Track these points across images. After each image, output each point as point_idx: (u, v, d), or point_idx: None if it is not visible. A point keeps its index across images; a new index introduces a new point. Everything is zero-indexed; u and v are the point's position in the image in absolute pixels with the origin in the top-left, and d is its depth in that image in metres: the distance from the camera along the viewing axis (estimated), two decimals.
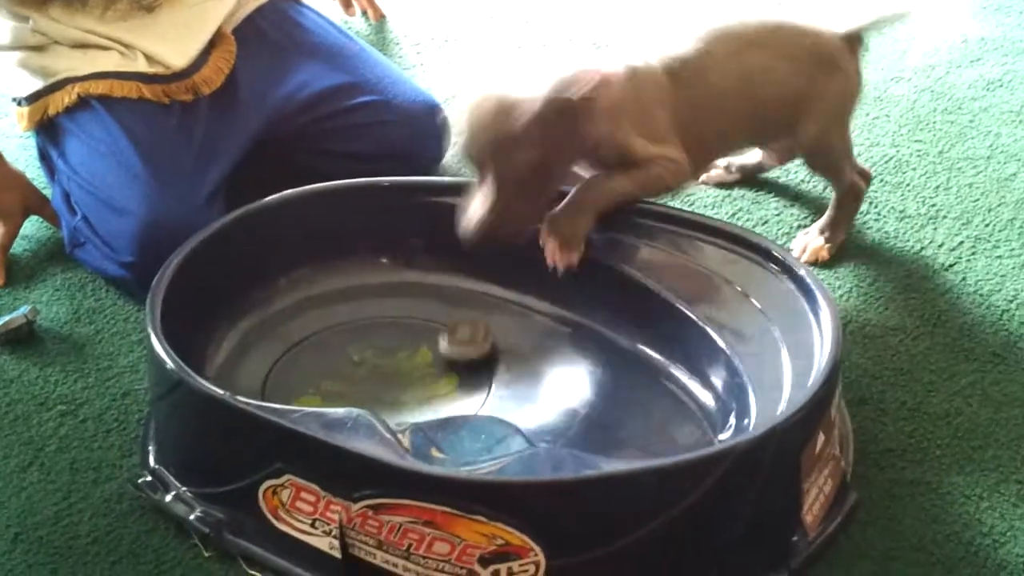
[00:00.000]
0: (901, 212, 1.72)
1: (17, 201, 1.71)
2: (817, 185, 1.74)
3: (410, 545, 1.19)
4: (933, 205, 1.73)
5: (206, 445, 1.32)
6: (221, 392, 1.28)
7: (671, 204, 1.66)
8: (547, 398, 1.43)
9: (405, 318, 1.53)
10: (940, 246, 1.66)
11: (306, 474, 1.22)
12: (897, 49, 2.06)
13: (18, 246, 1.73)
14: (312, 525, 1.23)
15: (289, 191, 1.56)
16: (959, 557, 1.28)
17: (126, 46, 1.67)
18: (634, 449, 1.35)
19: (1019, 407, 1.44)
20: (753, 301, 1.40)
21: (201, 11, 1.70)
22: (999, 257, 1.64)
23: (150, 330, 1.34)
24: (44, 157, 1.74)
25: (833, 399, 1.29)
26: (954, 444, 1.39)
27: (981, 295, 1.59)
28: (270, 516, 1.26)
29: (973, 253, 1.65)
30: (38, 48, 1.68)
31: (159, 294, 1.38)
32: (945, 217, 1.71)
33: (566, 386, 1.45)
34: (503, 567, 1.18)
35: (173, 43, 1.68)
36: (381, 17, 2.18)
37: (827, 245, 1.63)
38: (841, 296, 1.58)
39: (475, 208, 1.36)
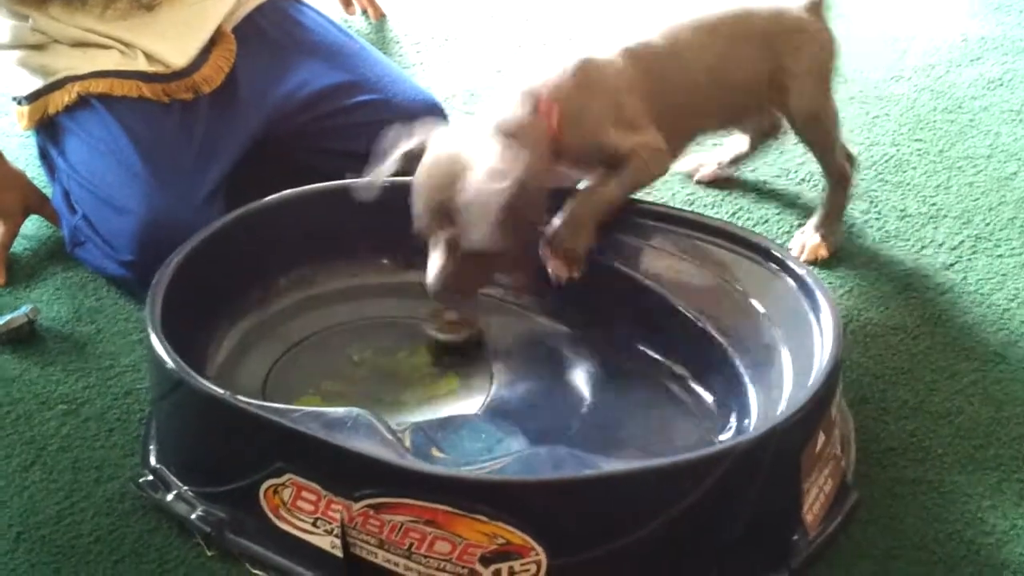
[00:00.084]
0: (902, 211, 1.72)
1: (17, 200, 1.71)
2: (817, 185, 1.74)
3: (411, 544, 1.19)
4: (934, 204, 1.73)
5: (207, 444, 1.32)
6: (222, 392, 1.28)
7: (671, 204, 1.66)
8: (547, 398, 1.42)
9: (405, 318, 1.53)
10: (941, 245, 1.66)
11: (307, 473, 1.22)
12: (897, 48, 2.06)
13: (18, 245, 1.73)
14: (313, 524, 1.23)
15: (289, 191, 1.56)
16: (961, 556, 1.28)
17: (126, 45, 1.67)
18: (634, 449, 1.35)
19: (1021, 406, 1.44)
20: (753, 301, 1.40)
21: (201, 10, 1.70)
22: (1000, 256, 1.64)
23: (150, 330, 1.34)
24: (44, 156, 1.74)
25: (833, 399, 1.29)
26: (956, 443, 1.39)
27: (982, 294, 1.59)
28: (271, 515, 1.26)
29: (974, 252, 1.65)
30: (38, 47, 1.68)
31: (159, 293, 1.38)
32: (946, 216, 1.71)
33: (566, 386, 1.44)
34: (504, 566, 1.18)
35: (173, 42, 1.68)
36: (381, 16, 2.18)
37: (824, 242, 1.63)
38: (842, 295, 1.58)
39: (432, 267, 1.37)
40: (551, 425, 1.37)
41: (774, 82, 1.54)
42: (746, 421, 1.32)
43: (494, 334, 1.50)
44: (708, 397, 1.39)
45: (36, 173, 1.79)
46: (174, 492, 1.33)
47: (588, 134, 1.41)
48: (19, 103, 1.70)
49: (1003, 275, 1.61)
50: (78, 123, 1.66)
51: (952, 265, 1.63)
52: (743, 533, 1.21)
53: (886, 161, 1.81)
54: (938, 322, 1.55)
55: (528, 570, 1.18)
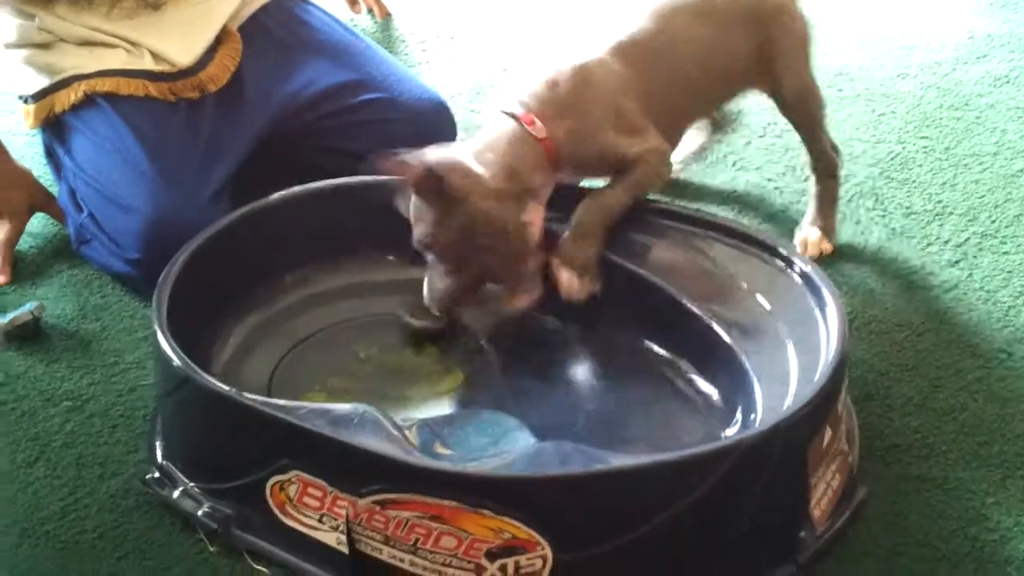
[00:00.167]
0: (907, 208, 1.72)
1: (23, 198, 1.72)
2: None
3: (417, 540, 1.19)
4: (939, 201, 1.73)
5: (213, 441, 1.33)
6: (228, 389, 1.28)
7: (677, 201, 1.66)
8: (553, 394, 1.42)
9: None
10: (946, 242, 1.66)
11: (313, 470, 1.22)
12: (903, 46, 2.06)
13: (24, 243, 1.73)
14: (319, 520, 1.23)
15: (295, 188, 1.56)
16: (965, 553, 1.28)
17: (132, 44, 1.67)
18: (640, 444, 1.35)
19: None
20: (759, 297, 1.40)
21: (207, 9, 1.70)
22: (1005, 253, 1.64)
23: (157, 327, 1.34)
24: (50, 154, 1.74)
25: (840, 394, 1.29)
26: (960, 440, 1.39)
27: (987, 291, 1.59)
28: (277, 512, 1.26)
29: (979, 249, 1.65)
30: (44, 46, 1.68)
31: (165, 291, 1.38)
32: (951, 213, 1.71)
33: (572, 382, 1.45)
34: (510, 561, 1.18)
35: (179, 41, 1.68)
36: (387, 15, 2.19)
37: (826, 237, 1.63)
38: (847, 292, 1.58)
39: (431, 284, 1.39)
40: (557, 420, 1.37)
41: (763, 60, 1.54)
42: (752, 416, 1.32)
43: (498, 328, 1.50)
44: (714, 393, 1.39)
45: (42, 171, 1.79)
46: (180, 488, 1.33)
47: (590, 143, 1.42)
48: (25, 102, 1.70)
49: (1009, 272, 1.61)
50: (84, 122, 1.67)
51: (958, 262, 1.63)
52: (749, 528, 1.21)
53: (892, 158, 1.81)
54: (943, 319, 1.55)
55: (534, 565, 1.18)
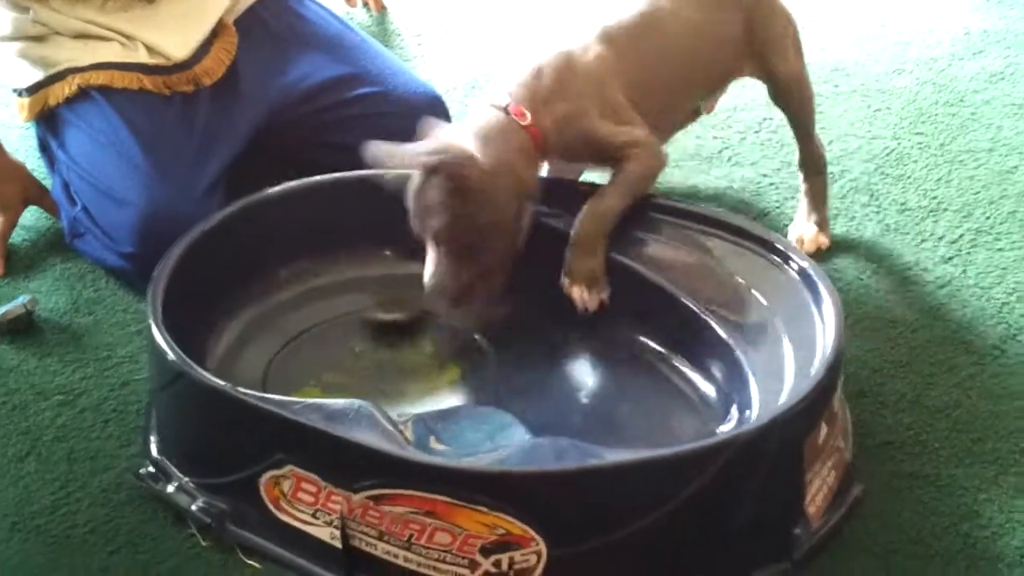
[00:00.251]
0: (902, 205, 1.72)
1: (17, 191, 1.71)
2: None
3: (411, 536, 1.19)
4: (934, 198, 1.73)
5: (208, 436, 1.32)
6: (222, 384, 1.28)
7: (673, 196, 1.66)
8: (548, 389, 1.43)
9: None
10: (941, 239, 1.66)
11: (307, 465, 1.22)
12: (899, 41, 2.06)
13: (17, 236, 1.73)
14: (313, 516, 1.23)
15: (291, 183, 1.56)
16: (957, 550, 1.28)
17: (127, 37, 1.67)
18: (635, 440, 1.35)
19: (1018, 400, 1.44)
20: (755, 292, 1.40)
21: (202, 2, 1.70)
22: (1000, 250, 1.64)
23: (152, 322, 1.34)
24: (44, 148, 1.74)
25: (835, 390, 1.29)
26: (953, 437, 1.39)
27: (981, 288, 1.59)
28: (271, 507, 1.26)
29: (974, 246, 1.65)
30: (39, 39, 1.68)
31: (160, 285, 1.38)
32: (946, 210, 1.71)
33: (567, 377, 1.45)
34: (504, 557, 1.18)
35: (174, 34, 1.68)
36: (382, 8, 2.18)
37: (822, 231, 1.63)
38: (841, 288, 1.58)
39: (425, 271, 1.38)
40: (552, 416, 1.37)
41: (753, 45, 1.55)
42: (747, 412, 1.32)
43: (494, 324, 1.50)
44: (710, 388, 1.39)
45: (36, 165, 1.79)
46: (175, 483, 1.33)
47: (575, 129, 1.41)
48: (19, 95, 1.70)
49: (1003, 269, 1.61)
50: (78, 115, 1.66)
51: (952, 259, 1.63)
52: (745, 524, 1.21)
53: (887, 154, 1.81)
54: (937, 315, 1.55)
55: (528, 561, 1.18)
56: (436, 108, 1.75)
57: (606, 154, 1.44)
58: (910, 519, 1.31)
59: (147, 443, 1.39)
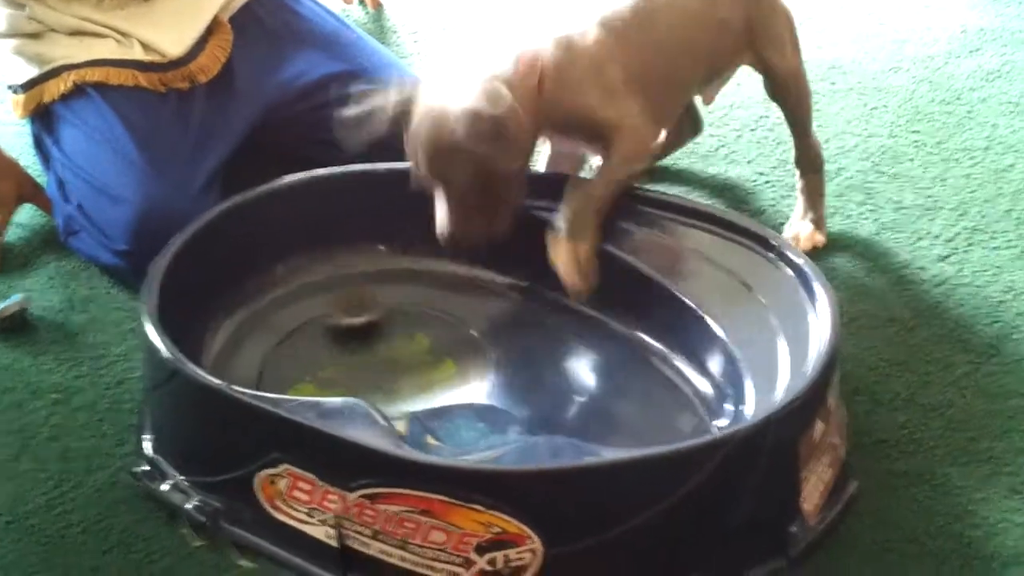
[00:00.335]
0: (898, 203, 1.72)
1: (11, 189, 1.71)
2: None
3: (407, 535, 1.19)
4: (930, 196, 1.73)
5: (203, 434, 1.32)
6: (218, 382, 1.28)
7: (670, 192, 1.66)
8: (544, 386, 1.43)
9: (402, 305, 1.52)
10: (937, 237, 1.66)
11: (303, 463, 1.22)
12: (896, 39, 2.06)
13: (12, 234, 1.72)
14: (309, 514, 1.23)
15: (285, 178, 1.55)
16: (951, 549, 1.28)
17: (122, 34, 1.66)
18: (631, 437, 1.35)
19: (1013, 399, 1.44)
20: (751, 289, 1.40)
21: None
22: (995, 248, 1.64)
23: (146, 319, 1.33)
24: (39, 145, 1.73)
25: (831, 387, 1.29)
26: (947, 436, 1.39)
27: (977, 286, 1.59)
28: (267, 505, 1.25)
29: (969, 244, 1.65)
30: (34, 35, 1.67)
31: (155, 282, 1.38)
32: (942, 208, 1.71)
33: (563, 373, 1.45)
34: (500, 555, 1.17)
35: (169, 31, 1.67)
36: (378, 5, 2.18)
37: (818, 229, 1.63)
38: (836, 286, 1.57)
39: (439, 217, 1.39)
40: (548, 413, 1.37)
41: (753, 39, 1.55)
42: (743, 408, 1.32)
43: (490, 321, 1.50)
44: (706, 385, 1.39)
45: (31, 162, 1.78)
46: (170, 482, 1.32)
47: (571, 96, 1.41)
48: (14, 91, 1.69)
49: (998, 267, 1.61)
50: (74, 112, 1.66)
51: (947, 257, 1.63)
52: (741, 522, 1.21)
53: (883, 152, 1.81)
54: (932, 314, 1.55)
55: (523, 559, 1.17)
56: None
57: (596, 130, 1.44)
58: (905, 518, 1.31)
59: (141, 442, 1.39)
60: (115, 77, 1.65)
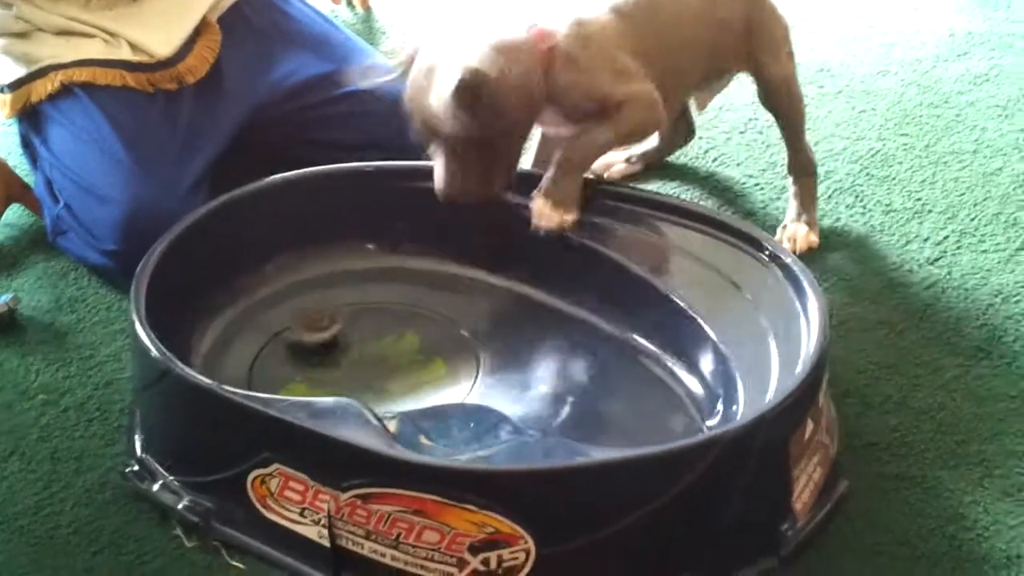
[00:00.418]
0: (887, 206, 1.73)
1: None
2: None
3: (399, 534, 1.19)
4: (919, 199, 1.74)
5: (193, 435, 1.31)
6: (208, 382, 1.27)
7: (661, 192, 1.66)
8: (535, 385, 1.42)
9: (391, 304, 1.53)
10: (925, 240, 1.67)
11: (294, 463, 1.21)
12: (884, 42, 2.06)
13: (0, 234, 1.71)
14: (301, 514, 1.23)
15: (273, 177, 1.55)
16: (943, 552, 1.28)
17: (110, 34, 1.66)
18: (623, 437, 1.35)
19: (1003, 402, 1.44)
20: (741, 289, 1.40)
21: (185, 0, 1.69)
22: (984, 251, 1.65)
23: (135, 319, 1.33)
24: (27, 145, 1.72)
25: (821, 386, 1.29)
26: (938, 438, 1.39)
27: (966, 289, 1.59)
28: (259, 505, 1.25)
29: (958, 247, 1.65)
30: (21, 35, 1.67)
31: (143, 282, 1.37)
32: (931, 211, 1.71)
33: (554, 373, 1.45)
34: (493, 555, 1.17)
35: (158, 32, 1.67)
36: (367, 7, 2.18)
37: (812, 230, 1.64)
38: (826, 289, 1.58)
39: (436, 171, 1.40)
40: (539, 413, 1.37)
41: (751, 42, 1.56)
42: (734, 408, 1.32)
43: (480, 320, 1.50)
44: (696, 385, 1.39)
45: (18, 162, 1.78)
46: (160, 482, 1.32)
47: (587, 79, 1.41)
48: (1, 91, 1.69)
49: (987, 271, 1.62)
50: (61, 112, 1.65)
51: (936, 260, 1.64)
52: (732, 521, 1.21)
53: (872, 156, 1.82)
54: (922, 317, 1.55)
55: (516, 559, 1.17)
56: None
57: (608, 109, 1.43)
58: (896, 520, 1.31)
59: (131, 442, 1.38)
60: (103, 77, 1.64)
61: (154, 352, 1.29)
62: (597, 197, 1.47)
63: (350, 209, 1.53)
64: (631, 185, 1.50)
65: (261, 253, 1.54)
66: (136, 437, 1.38)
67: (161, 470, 1.33)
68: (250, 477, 1.24)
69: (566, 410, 1.39)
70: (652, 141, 1.75)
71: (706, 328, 1.38)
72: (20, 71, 1.66)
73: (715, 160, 1.82)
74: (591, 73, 1.42)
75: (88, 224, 1.61)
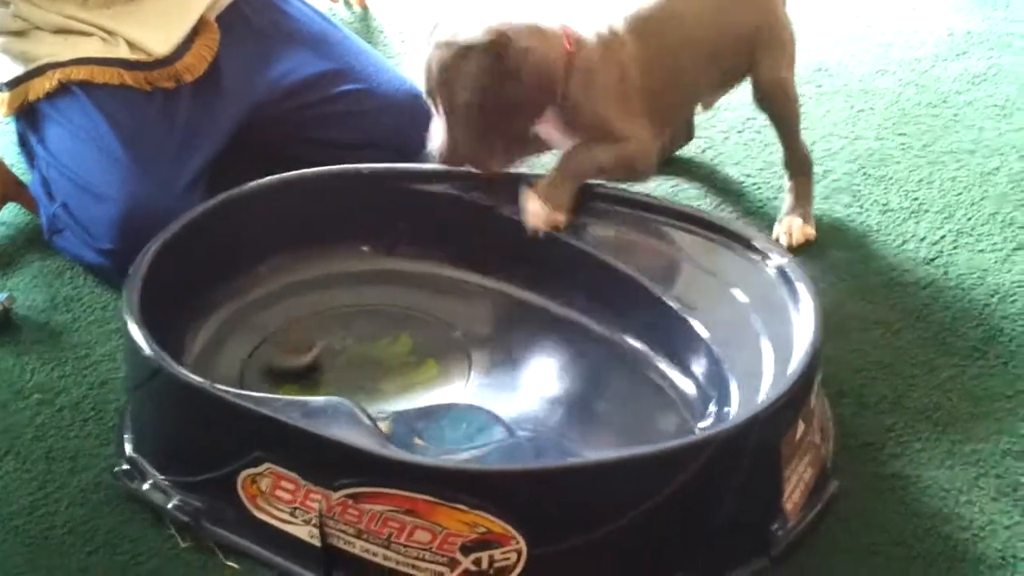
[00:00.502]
0: (884, 205, 1.72)
1: None
2: None
3: (391, 534, 1.19)
4: (916, 199, 1.73)
5: (185, 433, 1.31)
6: (200, 380, 1.27)
7: (656, 194, 1.66)
8: (527, 386, 1.42)
9: (385, 306, 1.53)
10: (923, 240, 1.67)
11: (286, 462, 1.21)
12: (882, 42, 2.06)
13: None
14: (292, 514, 1.23)
15: (270, 177, 1.55)
16: (938, 552, 1.28)
17: (108, 32, 1.66)
18: (615, 437, 1.35)
19: (999, 401, 1.44)
20: (734, 290, 1.40)
21: None
22: (981, 251, 1.64)
23: (128, 318, 1.33)
24: (24, 143, 1.73)
25: (813, 387, 1.29)
26: (934, 438, 1.39)
27: (963, 289, 1.59)
28: (249, 505, 1.25)
29: (955, 247, 1.65)
30: (19, 33, 1.67)
31: (137, 281, 1.37)
32: (928, 211, 1.71)
33: (546, 374, 1.44)
34: (484, 555, 1.17)
35: (156, 30, 1.67)
36: (365, 6, 2.18)
37: (808, 223, 1.64)
38: (823, 289, 1.57)
39: (439, 133, 1.43)
40: (532, 414, 1.37)
41: (756, 49, 1.57)
42: (726, 409, 1.32)
43: (473, 322, 1.49)
44: (689, 385, 1.39)
45: (15, 160, 1.78)
46: (150, 481, 1.32)
47: (592, 104, 1.44)
48: None
49: (984, 270, 1.61)
50: (58, 110, 1.65)
51: (933, 260, 1.63)
52: (724, 521, 1.21)
53: (869, 155, 1.81)
54: (918, 316, 1.55)
55: (508, 559, 1.17)
56: (418, 106, 1.74)
57: (607, 136, 1.46)
58: (892, 520, 1.31)
59: (121, 442, 1.38)
60: (100, 75, 1.65)
61: (146, 350, 1.29)
62: (589, 199, 1.48)
63: (345, 211, 1.53)
64: (622, 187, 1.49)
65: (256, 254, 1.54)
66: (126, 436, 1.38)
67: (151, 469, 1.33)
68: (240, 476, 1.24)
69: (558, 411, 1.39)
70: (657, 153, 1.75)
71: (698, 329, 1.38)
72: (18, 69, 1.67)
73: (712, 159, 1.82)
74: (602, 95, 1.44)
75: (85, 222, 1.61)
